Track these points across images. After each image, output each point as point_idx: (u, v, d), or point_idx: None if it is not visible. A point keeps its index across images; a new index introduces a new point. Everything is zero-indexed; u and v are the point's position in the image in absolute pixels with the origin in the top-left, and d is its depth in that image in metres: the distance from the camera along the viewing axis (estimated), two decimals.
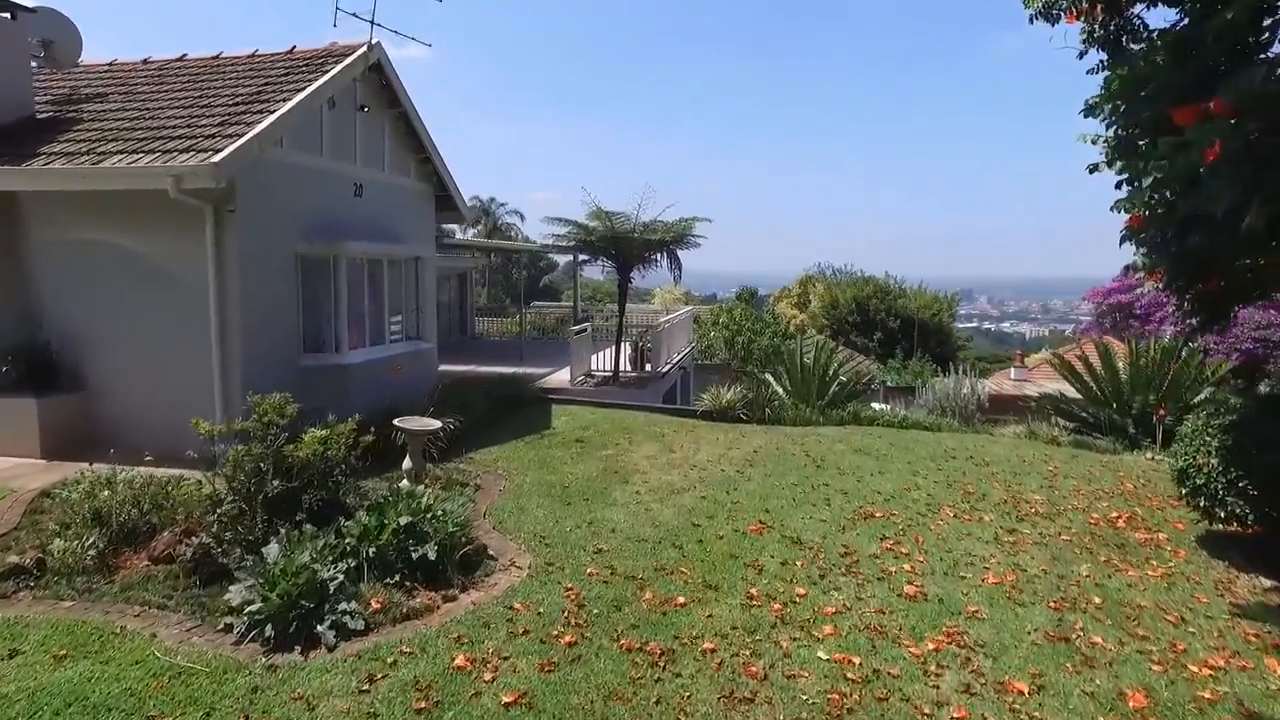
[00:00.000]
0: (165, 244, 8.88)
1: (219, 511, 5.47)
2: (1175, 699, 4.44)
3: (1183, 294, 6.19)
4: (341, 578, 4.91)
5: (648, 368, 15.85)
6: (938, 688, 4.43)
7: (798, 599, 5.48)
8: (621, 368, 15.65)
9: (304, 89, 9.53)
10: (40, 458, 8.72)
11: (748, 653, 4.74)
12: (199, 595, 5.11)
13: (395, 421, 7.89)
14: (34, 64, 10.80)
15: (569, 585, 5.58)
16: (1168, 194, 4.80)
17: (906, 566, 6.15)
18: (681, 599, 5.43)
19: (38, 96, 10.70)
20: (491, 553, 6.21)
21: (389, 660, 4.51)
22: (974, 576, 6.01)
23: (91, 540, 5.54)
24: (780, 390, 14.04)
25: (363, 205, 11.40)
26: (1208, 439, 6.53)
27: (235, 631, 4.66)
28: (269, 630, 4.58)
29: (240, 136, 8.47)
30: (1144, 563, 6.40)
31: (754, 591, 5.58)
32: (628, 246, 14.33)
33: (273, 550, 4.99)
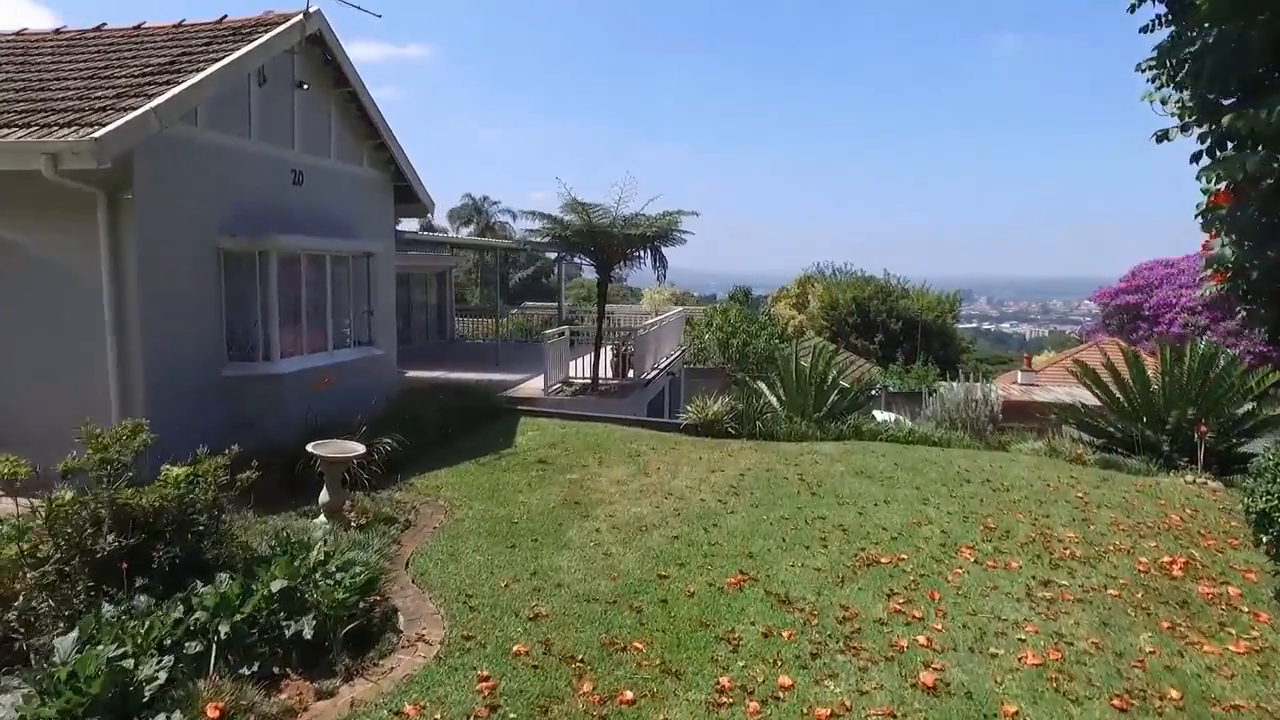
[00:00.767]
0: (51, 235, 7.63)
1: (30, 577, 4.21)
2: None
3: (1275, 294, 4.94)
4: (164, 676, 3.64)
5: (630, 374, 14.60)
6: None
7: (781, 694, 4.21)
8: (602, 375, 14.40)
9: (221, 59, 8.27)
10: None
11: None
12: None
13: (310, 447, 6.64)
14: None
15: (485, 672, 4.31)
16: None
17: (921, 639, 4.89)
18: (630, 693, 4.16)
19: None
20: (401, 620, 4.96)
21: None
22: (1008, 653, 4.75)
23: None
24: (774, 400, 12.78)
25: (304, 195, 10.15)
26: None
27: None
28: None
29: (134, 110, 7.21)
30: (1218, 630, 5.14)
31: (725, 681, 4.31)
32: (607, 242, 13.07)
33: (65, 642, 3.72)
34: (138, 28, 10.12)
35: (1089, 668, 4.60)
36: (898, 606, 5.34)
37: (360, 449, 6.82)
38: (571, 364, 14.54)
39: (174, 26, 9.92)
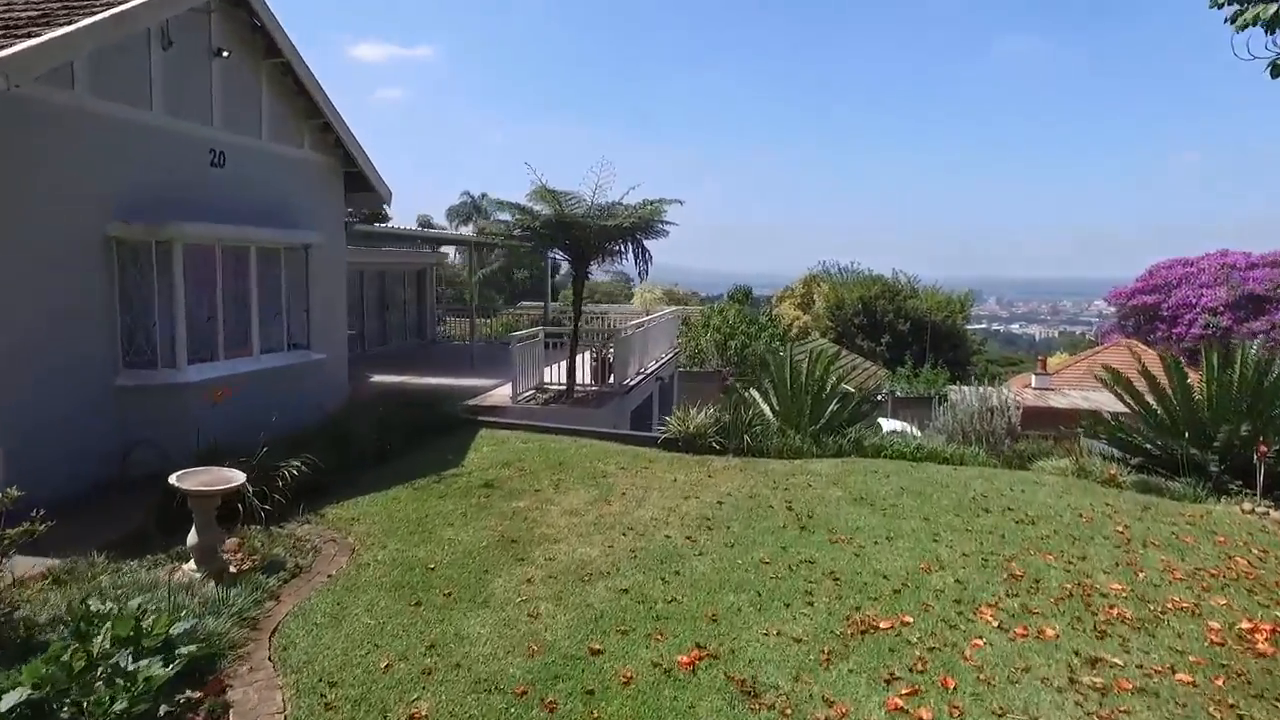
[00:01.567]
0: None
1: None
2: None
3: None
4: None
5: (611, 380, 13.31)
6: None
7: None
8: (581, 381, 13.13)
9: (102, 13, 7.02)
10: None
11: None
12: None
13: (172, 479, 5.36)
14: None
15: None
16: None
17: None
18: None
19: None
20: None
21: None
22: None
23: None
24: (767, 410, 11.47)
25: (226, 178, 8.91)
26: None
27: None
28: None
29: None
30: None
31: None
32: (582, 235, 11.78)
33: None
34: None
35: None
36: (900, 701, 4.03)
37: (239, 479, 5.54)
38: (549, 369, 13.28)
39: None
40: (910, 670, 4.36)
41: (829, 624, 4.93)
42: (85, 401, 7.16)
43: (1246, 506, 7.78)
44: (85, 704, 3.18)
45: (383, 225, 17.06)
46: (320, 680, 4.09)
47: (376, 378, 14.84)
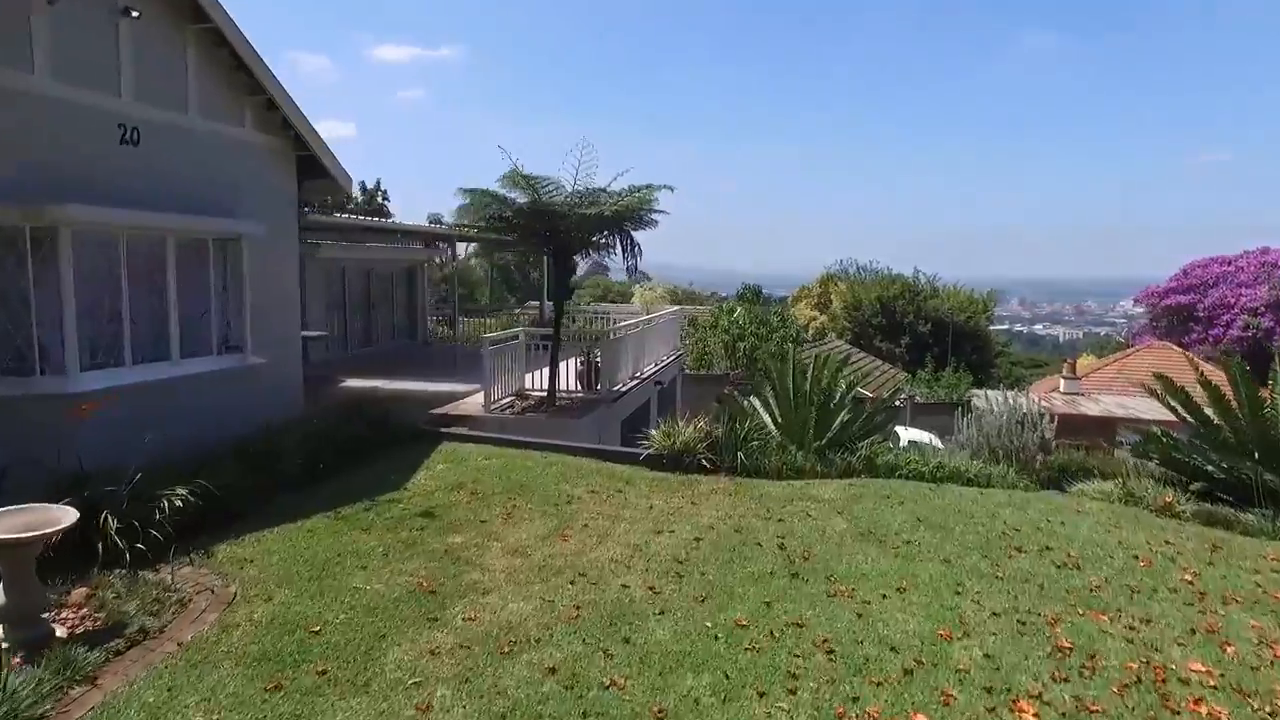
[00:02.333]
0: None
1: None
2: None
3: None
4: None
5: (599, 387, 12.10)
6: None
7: None
8: (566, 387, 11.94)
9: None
10: None
11: None
12: None
13: None
14: None
15: None
16: None
17: None
18: None
19: None
20: None
21: None
22: None
23: None
24: (768, 420, 10.19)
25: (140, 158, 7.78)
26: None
27: None
28: None
29: None
30: None
31: None
32: (561, 225, 10.56)
33: None
34: None
35: None
36: None
37: (66, 520, 4.37)
38: (532, 374, 12.07)
39: None
40: None
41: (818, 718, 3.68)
42: None
43: None
44: None
45: (348, 216, 15.95)
46: None
47: (350, 382, 13.72)
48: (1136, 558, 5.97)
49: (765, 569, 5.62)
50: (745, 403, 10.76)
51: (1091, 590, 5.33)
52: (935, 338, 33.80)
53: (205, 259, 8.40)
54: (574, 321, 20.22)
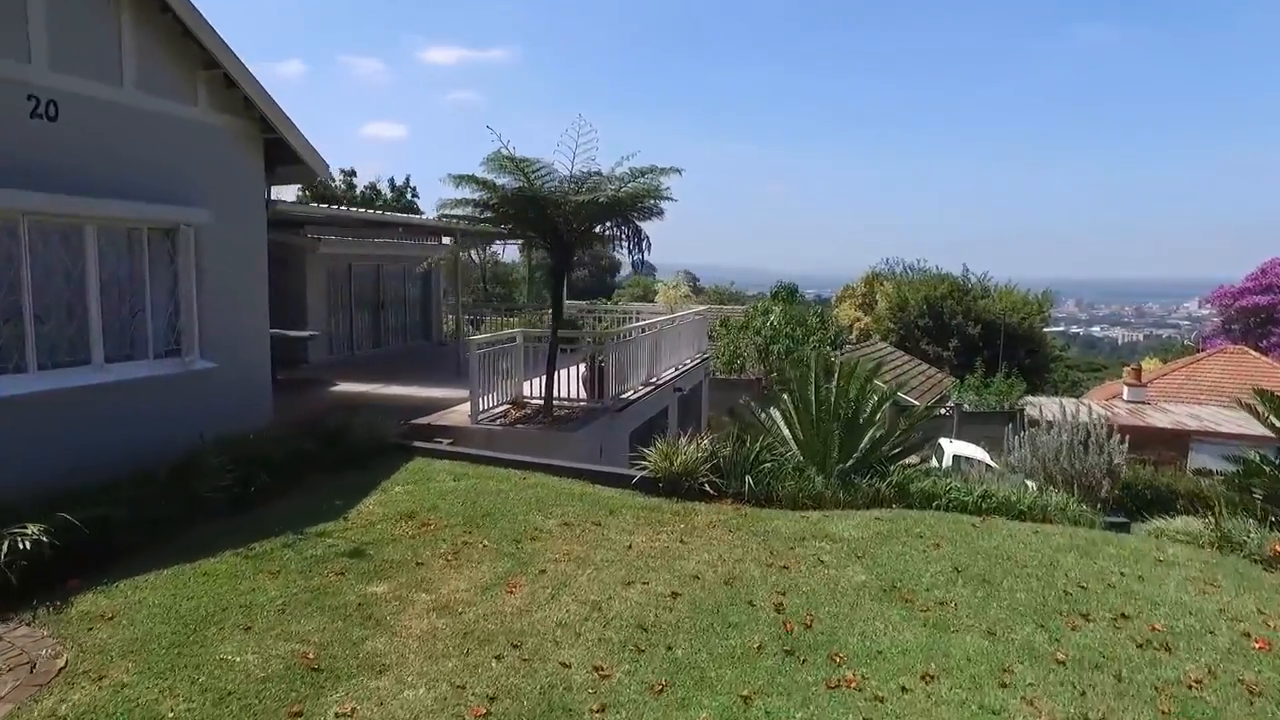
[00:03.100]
0: None
1: None
2: None
3: None
4: None
5: (605, 394, 10.92)
6: None
7: None
8: (570, 395, 10.81)
9: None
10: None
11: None
12: None
13: None
14: None
15: None
16: None
17: None
18: None
19: None
20: None
21: None
22: None
23: None
24: (788, 435, 8.90)
25: (57, 135, 6.82)
26: None
27: None
28: None
29: None
30: None
31: None
32: (557, 214, 9.40)
33: None
34: None
35: None
36: None
37: None
38: (532, 381, 10.95)
39: None
40: None
41: None
42: None
43: None
44: None
45: (326, 206, 15.02)
46: None
47: (343, 386, 12.80)
48: (1248, 635, 4.58)
49: (752, 642, 4.37)
50: (765, 415, 9.47)
51: (1189, 687, 3.98)
52: (986, 341, 31.89)
53: (140, 250, 7.44)
54: (600, 322, 19.10)
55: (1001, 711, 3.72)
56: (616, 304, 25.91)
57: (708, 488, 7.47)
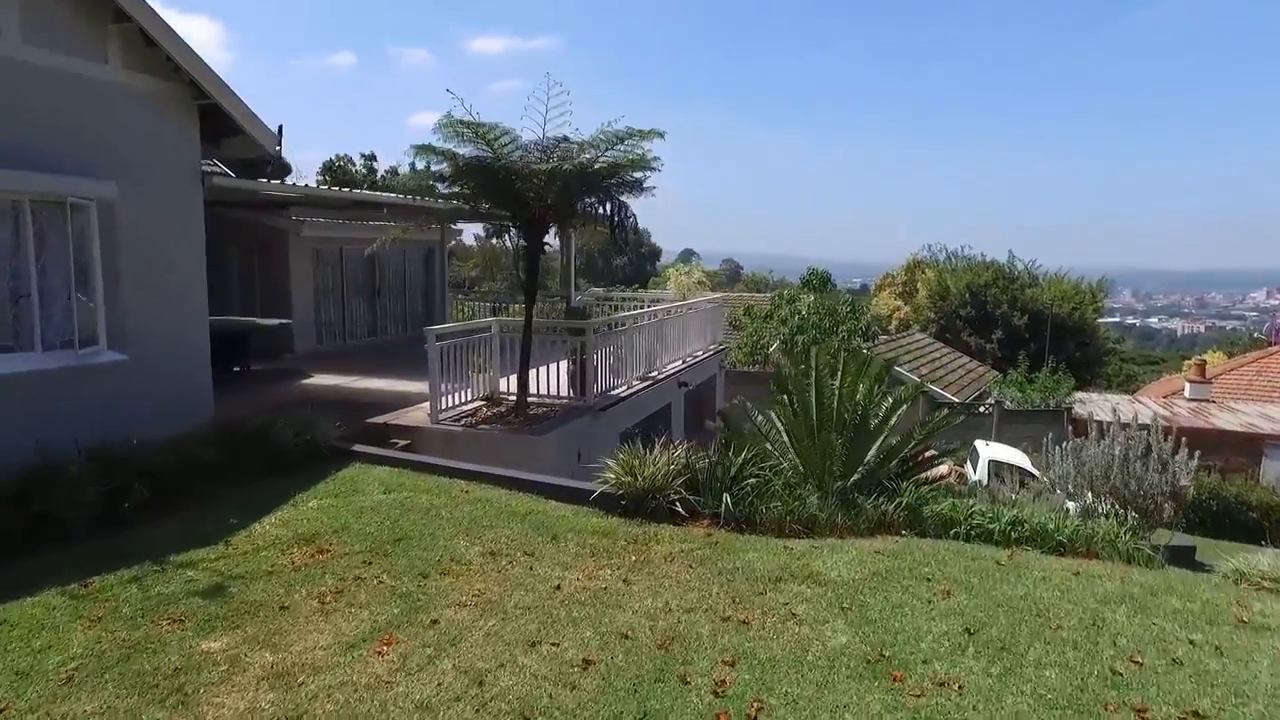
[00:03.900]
0: None
1: None
2: None
3: None
4: None
5: (601, 389, 9.78)
6: None
7: None
8: (554, 391, 9.71)
9: None
10: None
11: None
12: None
13: None
14: None
15: None
16: None
17: None
18: None
19: None
20: None
21: None
22: None
23: None
24: (787, 441, 7.64)
25: None
26: None
27: None
28: None
29: None
30: None
31: None
32: (526, 187, 8.24)
33: None
34: None
35: None
36: None
37: None
38: (514, 376, 9.84)
39: None
40: None
41: None
42: None
43: None
44: None
45: (303, 186, 14.03)
46: None
47: (317, 380, 11.87)
48: None
49: None
50: (762, 418, 8.21)
51: None
52: (1032, 332, 29.97)
53: (24, 226, 6.47)
54: (616, 310, 17.97)
55: None
56: (636, 291, 24.77)
57: (679, 507, 6.27)
